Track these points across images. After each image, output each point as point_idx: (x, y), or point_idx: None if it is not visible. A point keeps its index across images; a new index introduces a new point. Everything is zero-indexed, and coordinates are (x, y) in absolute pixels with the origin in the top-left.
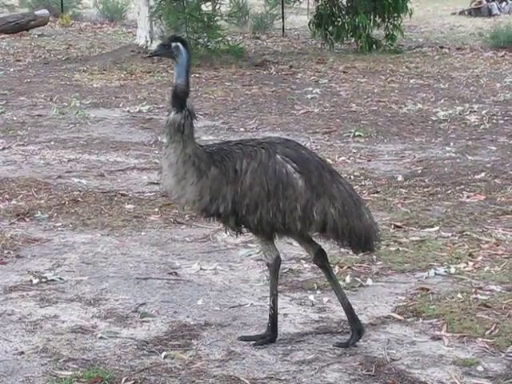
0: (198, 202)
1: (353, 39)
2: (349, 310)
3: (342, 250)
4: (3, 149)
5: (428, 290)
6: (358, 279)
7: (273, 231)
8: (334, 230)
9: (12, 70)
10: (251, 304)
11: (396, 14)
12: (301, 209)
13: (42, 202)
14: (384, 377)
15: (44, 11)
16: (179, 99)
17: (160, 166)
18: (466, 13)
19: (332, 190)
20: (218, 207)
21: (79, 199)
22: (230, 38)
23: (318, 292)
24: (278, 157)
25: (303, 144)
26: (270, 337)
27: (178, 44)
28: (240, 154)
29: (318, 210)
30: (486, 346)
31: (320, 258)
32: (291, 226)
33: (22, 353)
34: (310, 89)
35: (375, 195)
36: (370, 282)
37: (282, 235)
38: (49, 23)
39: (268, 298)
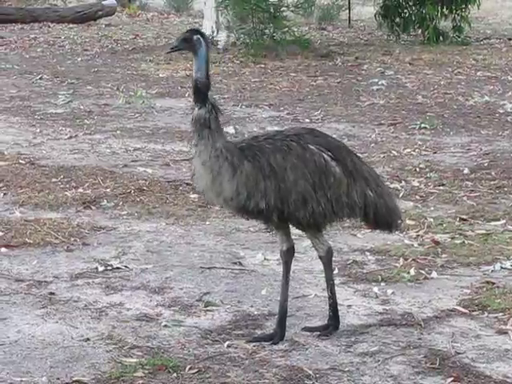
0: (236, 199)
1: (419, 31)
2: (283, 313)
3: (407, 242)
4: (70, 137)
5: (494, 283)
6: (423, 272)
7: (325, 222)
8: (375, 212)
9: (80, 59)
10: (315, 295)
11: (464, 6)
12: (345, 195)
13: (108, 190)
14: (448, 370)
15: (112, 1)
16: (201, 93)
17: (193, 168)
18: None
19: (364, 173)
20: (257, 203)
21: (144, 188)
22: (295, 29)
23: (382, 284)
24: (312, 147)
25: (369, 135)
26: (333, 326)
27: (199, 36)
28: (272, 148)
29: (358, 194)
30: None
31: (291, 254)
32: (340, 213)
33: (88, 339)
34: (376, 80)
35: (441, 188)
36: (434, 274)
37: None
38: (116, 13)
39: (334, 293)
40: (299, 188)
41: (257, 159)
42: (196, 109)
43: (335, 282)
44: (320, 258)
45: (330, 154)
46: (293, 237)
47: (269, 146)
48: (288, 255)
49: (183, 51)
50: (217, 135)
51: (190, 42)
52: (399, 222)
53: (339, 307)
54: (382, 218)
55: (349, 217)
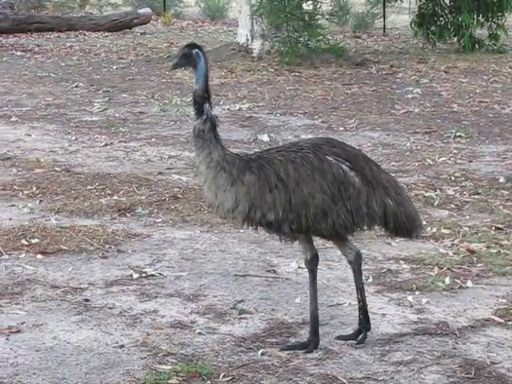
0: (236, 210)
1: (455, 39)
2: (315, 321)
3: (441, 250)
4: (106, 145)
5: None
6: (458, 281)
7: (347, 232)
8: (394, 221)
9: (115, 67)
10: (349, 303)
11: (500, 13)
12: (365, 205)
13: (142, 197)
14: (484, 380)
15: (147, 10)
16: (197, 104)
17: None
18: None
19: (383, 181)
20: (264, 215)
21: (179, 196)
22: (330, 37)
23: (417, 293)
24: (330, 158)
25: (404, 144)
26: (364, 329)
27: (198, 51)
28: (283, 160)
29: (378, 203)
30: None
31: (315, 262)
32: (360, 223)
33: (123, 346)
34: (411, 88)
35: (476, 196)
36: (469, 283)
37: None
38: (151, 21)
39: (363, 296)
40: (317, 201)
41: (263, 171)
42: (195, 120)
43: (370, 290)
44: (349, 262)
45: (348, 164)
46: (327, 245)
47: (280, 157)
48: (313, 263)
49: (185, 67)
50: (212, 146)
51: (190, 57)
52: (419, 229)
53: (373, 316)
54: (402, 225)
55: (369, 226)
